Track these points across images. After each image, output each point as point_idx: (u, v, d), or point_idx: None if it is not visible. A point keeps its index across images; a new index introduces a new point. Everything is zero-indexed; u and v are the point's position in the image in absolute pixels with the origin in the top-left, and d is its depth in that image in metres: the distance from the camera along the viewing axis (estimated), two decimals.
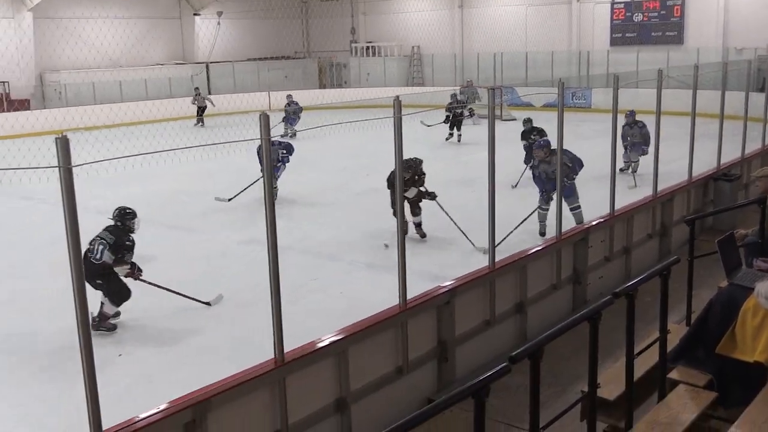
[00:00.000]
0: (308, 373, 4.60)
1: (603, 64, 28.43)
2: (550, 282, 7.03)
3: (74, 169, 3.39)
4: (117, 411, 3.96)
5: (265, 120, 4.27)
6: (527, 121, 14.05)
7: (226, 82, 32.99)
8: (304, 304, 7.28)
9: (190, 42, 34.78)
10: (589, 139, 13.75)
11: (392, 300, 5.36)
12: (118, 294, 7.22)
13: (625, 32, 29.31)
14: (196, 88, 27.40)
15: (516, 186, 12.76)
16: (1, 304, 8.14)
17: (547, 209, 9.74)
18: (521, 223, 9.46)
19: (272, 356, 4.42)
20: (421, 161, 9.95)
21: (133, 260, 7.34)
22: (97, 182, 9.71)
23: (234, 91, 31.16)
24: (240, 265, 9.10)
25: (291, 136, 20.02)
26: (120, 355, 6.49)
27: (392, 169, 7.87)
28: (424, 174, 9.93)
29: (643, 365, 4.63)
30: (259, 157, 11.82)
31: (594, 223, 7.77)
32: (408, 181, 9.42)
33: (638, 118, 13.40)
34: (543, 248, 7.04)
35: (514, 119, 23.79)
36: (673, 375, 4.64)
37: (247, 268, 8.51)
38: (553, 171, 8.91)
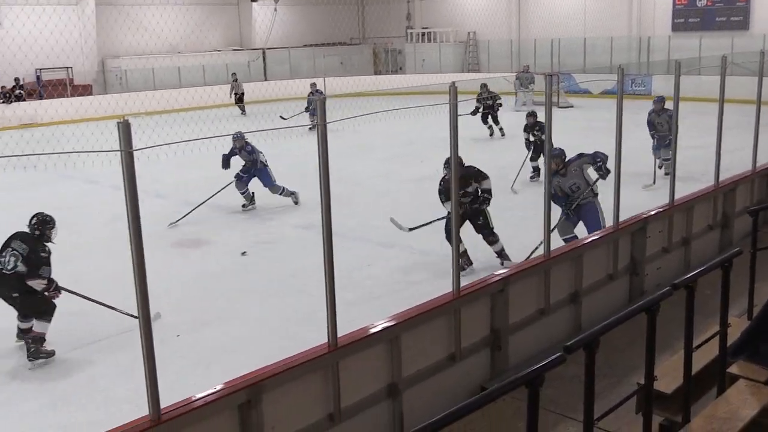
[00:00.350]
0: (361, 358, 4.62)
1: (664, 51, 27.75)
2: (606, 272, 6.92)
3: (135, 153, 3.46)
4: (175, 390, 4.05)
5: (320, 106, 4.28)
6: (531, 115, 13.04)
7: (282, 68, 33.27)
8: (358, 290, 7.32)
9: (247, 28, 35.14)
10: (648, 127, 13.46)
11: (446, 287, 5.35)
12: (40, 308, 6.40)
13: (688, 17, 28.54)
14: (233, 74, 27.21)
15: (513, 187, 12.06)
16: (65, 284, 8.39)
17: (573, 236, 8.14)
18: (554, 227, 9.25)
19: (326, 341, 4.45)
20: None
21: (51, 276, 6.41)
22: (157, 166, 9.95)
23: (289, 77, 31.42)
24: (296, 249, 9.20)
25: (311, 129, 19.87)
26: (178, 335, 6.63)
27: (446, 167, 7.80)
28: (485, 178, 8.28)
29: (701, 359, 4.53)
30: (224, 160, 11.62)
31: (653, 212, 7.61)
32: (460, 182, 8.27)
33: (701, 106, 12.88)
34: (599, 237, 6.92)
35: (572, 106, 23.48)
36: (733, 370, 4.53)
37: (303, 252, 8.59)
38: (571, 186, 8.08)
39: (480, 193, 8.14)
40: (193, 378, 5.76)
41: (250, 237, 10.06)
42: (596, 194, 8.20)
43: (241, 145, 11.41)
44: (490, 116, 17.81)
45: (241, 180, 11.55)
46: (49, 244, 6.49)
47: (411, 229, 8.51)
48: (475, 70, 33.85)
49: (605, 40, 29.35)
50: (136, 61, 29.74)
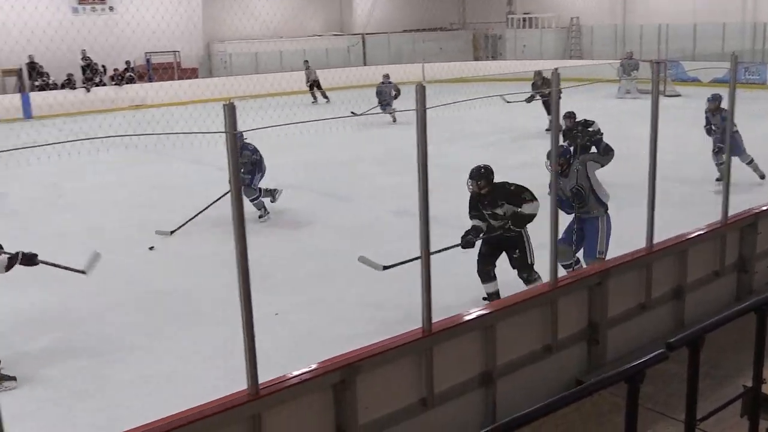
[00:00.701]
0: (455, 345, 4.61)
1: None
2: (713, 268, 6.64)
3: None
4: (272, 365, 4.15)
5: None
6: (569, 116, 10.84)
7: (381, 53, 33.38)
8: (453, 277, 7.29)
9: (348, 13, 35.43)
10: (762, 118, 12.82)
11: (543, 277, 5.27)
12: None
13: None
14: (306, 61, 27.01)
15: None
16: (168, 262, 8.75)
17: (572, 262, 6.93)
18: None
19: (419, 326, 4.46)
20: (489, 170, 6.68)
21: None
22: (264, 149, 10.22)
23: (389, 62, 31.50)
24: (391, 234, 9.25)
25: (392, 120, 19.15)
26: (276, 314, 6.78)
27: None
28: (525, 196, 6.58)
29: None
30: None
31: (764, 208, 7.24)
32: (487, 200, 6.65)
33: None
34: (706, 232, 6.64)
35: (679, 95, 22.59)
36: None
37: (399, 238, 8.62)
38: (572, 188, 6.74)
39: (506, 214, 6.60)
40: (286, 356, 5.89)
41: (348, 222, 10.16)
42: (604, 205, 6.79)
43: (240, 145, 9.58)
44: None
45: (249, 185, 10.07)
46: None
47: (386, 268, 6.65)
48: (578, 56, 33.01)
49: (717, 26, 28.01)
50: (239, 46, 30.50)
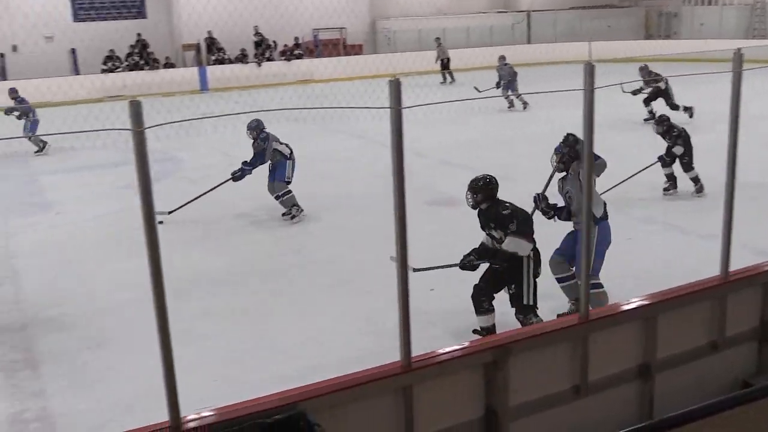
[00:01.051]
0: (612, 334, 4.46)
1: None
2: None
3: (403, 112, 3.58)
4: (426, 339, 4.20)
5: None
6: (661, 122, 9.87)
7: (546, 31, 32.55)
8: (616, 265, 7.05)
9: None
10: None
11: (705, 270, 4.98)
12: None
13: None
14: (437, 39, 26.60)
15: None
16: (329, 230, 9.05)
17: (567, 276, 6.02)
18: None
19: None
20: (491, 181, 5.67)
21: None
22: (415, 126, 10.24)
23: (554, 40, 30.70)
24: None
25: (519, 106, 18.03)
26: (432, 289, 6.82)
27: None
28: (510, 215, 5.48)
29: None
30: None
31: None
32: (483, 218, 5.70)
33: None
34: None
35: None
36: None
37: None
38: (566, 193, 6.02)
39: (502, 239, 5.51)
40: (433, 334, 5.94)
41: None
42: (598, 217, 5.78)
43: (255, 136, 9.38)
44: (653, 100, 15.19)
45: (273, 181, 9.44)
46: None
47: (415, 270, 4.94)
48: (762, 36, 30.64)
49: None
50: (404, 22, 30.78)
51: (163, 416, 3.27)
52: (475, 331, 5.67)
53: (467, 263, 5.63)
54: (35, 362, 5.92)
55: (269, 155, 9.38)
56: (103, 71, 25.53)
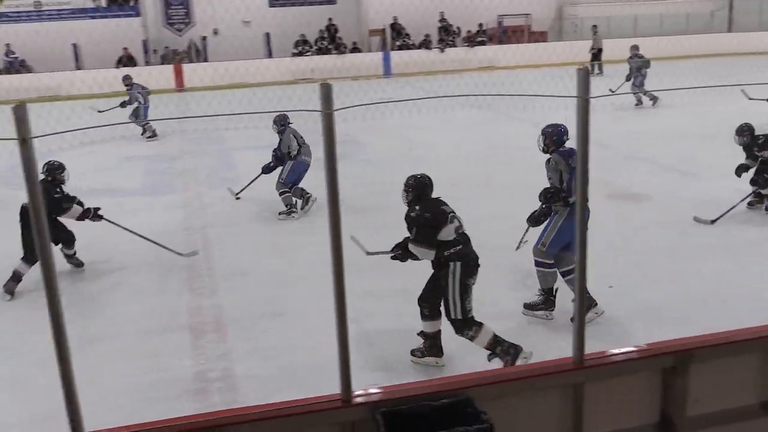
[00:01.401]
0: None
1: None
2: None
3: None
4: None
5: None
6: (744, 131, 8.76)
7: (750, 19, 30.18)
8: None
9: None
10: None
11: None
12: (59, 236, 7.29)
13: None
14: (593, 26, 25.15)
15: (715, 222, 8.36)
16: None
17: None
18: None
19: None
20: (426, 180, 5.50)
21: (86, 206, 7.42)
22: (594, 116, 9.84)
23: (758, 28, 28.47)
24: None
25: (645, 101, 16.23)
26: (610, 286, 6.58)
27: None
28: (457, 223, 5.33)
29: None
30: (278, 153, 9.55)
31: None
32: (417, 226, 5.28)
33: None
34: None
35: None
36: None
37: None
38: (549, 178, 6.18)
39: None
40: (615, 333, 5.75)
41: (692, 197, 9.48)
42: (569, 205, 5.84)
43: (277, 129, 9.57)
44: None
45: (278, 180, 9.55)
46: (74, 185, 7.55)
47: (369, 254, 5.36)
48: None
49: None
50: (592, 9, 29.71)
51: (329, 389, 3.40)
52: (418, 334, 5.55)
53: (396, 257, 5.42)
54: (221, 326, 6.36)
55: (285, 148, 9.45)
56: (294, 55, 26.75)
